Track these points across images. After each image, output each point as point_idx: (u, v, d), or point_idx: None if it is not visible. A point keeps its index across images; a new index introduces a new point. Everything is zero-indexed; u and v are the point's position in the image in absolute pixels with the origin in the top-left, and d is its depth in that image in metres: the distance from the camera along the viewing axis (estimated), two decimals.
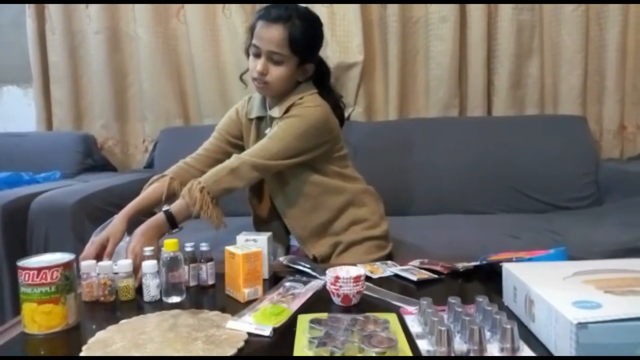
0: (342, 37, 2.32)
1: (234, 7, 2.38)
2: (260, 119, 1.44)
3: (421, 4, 2.35)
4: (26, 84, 2.63)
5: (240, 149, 1.46)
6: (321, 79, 1.43)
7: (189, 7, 2.42)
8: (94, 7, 2.47)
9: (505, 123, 2.30)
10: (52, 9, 2.49)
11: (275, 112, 1.37)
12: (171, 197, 1.31)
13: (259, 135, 1.43)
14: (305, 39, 1.30)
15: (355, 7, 2.31)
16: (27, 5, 2.48)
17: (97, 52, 2.50)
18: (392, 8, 2.34)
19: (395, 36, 2.35)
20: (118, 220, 1.20)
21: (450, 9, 2.31)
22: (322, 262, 1.36)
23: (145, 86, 2.50)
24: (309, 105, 1.34)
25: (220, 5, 2.42)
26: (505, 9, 2.31)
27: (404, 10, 2.36)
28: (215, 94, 2.46)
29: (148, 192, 1.33)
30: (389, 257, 1.42)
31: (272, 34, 1.28)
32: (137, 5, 2.44)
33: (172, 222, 1.21)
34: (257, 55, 1.31)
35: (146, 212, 1.28)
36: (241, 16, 2.37)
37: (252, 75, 1.33)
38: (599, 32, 2.36)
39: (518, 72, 2.35)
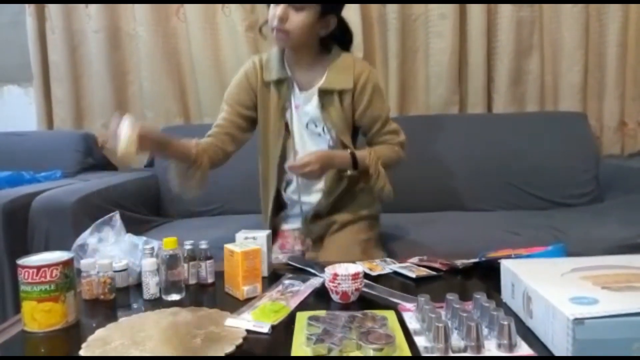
0: None
1: (233, 6, 2.38)
2: (279, 81, 1.38)
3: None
4: (27, 83, 2.63)
5: (252, 121, 1.42)
6: (344, 39, 1.41)
7: (189, 6, 2.42)
8: (93, 6, 2.46)
9: (506, 120, 2.29)
10: (52, 8, 2.48)
11: (330, 83, 1.33)
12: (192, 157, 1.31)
13: (281, 99, 1.38)
14: None
15: (354, 4, 2.30)
16: (26, 4, 2.48)
17: (97, 51, 2.49)
18: (392, 5, 2.33)
19: (394, 33, 2.35)
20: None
21: (450, 6, 2.30)
22: (314, 243, 1.38)
23: (145, 85, 2.50)
24: (365, 65, 1.38)
25: (219, 4, 2.41)
26: (504, 5, 2.30)
27: (403, 7, 2.35)
28: (215, 92, 2.45)
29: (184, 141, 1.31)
30: (379, 237, 1.48)
31: None
32: (136, 4, 2.44)
33: (354, 164, 1.36)
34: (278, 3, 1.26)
35: (166, 149, 1.27)
36: (241, 14, 2.37)
37: (272, 24, 1.28)
38: (599, 28, 2.35)
39: (518, 68, 2.35)
